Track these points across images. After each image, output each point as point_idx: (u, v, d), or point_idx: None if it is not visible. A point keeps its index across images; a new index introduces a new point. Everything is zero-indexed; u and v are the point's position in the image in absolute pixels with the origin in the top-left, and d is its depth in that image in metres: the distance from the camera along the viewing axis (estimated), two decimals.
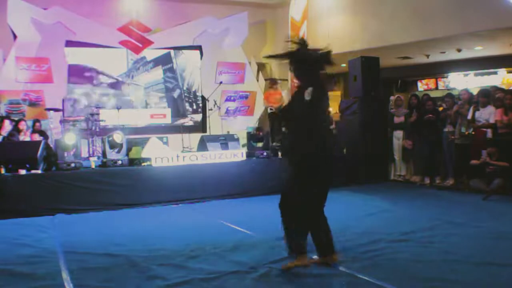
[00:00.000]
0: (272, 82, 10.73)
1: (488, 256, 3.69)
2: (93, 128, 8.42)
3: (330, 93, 14.09)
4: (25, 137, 7.93)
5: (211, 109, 10.38)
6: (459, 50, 11.06)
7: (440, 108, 8.36)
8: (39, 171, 6.18)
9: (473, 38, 9.83)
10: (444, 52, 11.33)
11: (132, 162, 6.84)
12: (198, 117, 11.46)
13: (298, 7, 11.62)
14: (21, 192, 5.84)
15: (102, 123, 8.68)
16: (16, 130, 7.95)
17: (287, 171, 3.62)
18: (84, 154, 7.79)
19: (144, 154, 7.03)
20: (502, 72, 12.47)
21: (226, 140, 7.69)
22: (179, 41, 11.12)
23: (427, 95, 8.77)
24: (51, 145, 7.41)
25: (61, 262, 3.83)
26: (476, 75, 12.85)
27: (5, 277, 3.49)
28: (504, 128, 6.92)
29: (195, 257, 3.90)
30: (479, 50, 11.26)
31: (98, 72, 10.50)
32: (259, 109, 11.90)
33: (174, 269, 3.57)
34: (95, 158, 7.53)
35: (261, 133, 8.03)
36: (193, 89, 11.52)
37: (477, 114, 7.31)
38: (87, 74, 10.43)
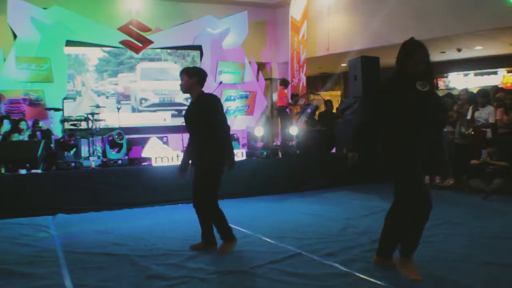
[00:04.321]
0: (285, 82, 10.82)
1: (488, 256, 3.69)
2: (93, 128, 8.42)
3: (329, 93, 14.06)
4: (24, 137, 7.94)
5: None
6: (459, 50, 11.08)
7: None
8: (39, 171, 6.18)
9: (473, 38, 9.85)
10: (444, 52, 11.35)
11: (132, 162, 6.84)
12: None
13: (298, 7, 11.63)
14: (21, 192, 5.83)
15: (102, 123, 8.68)
16: (16, 130, 7.96)
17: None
18: (84, 154, 7.78)
19: (144, 154, 7.03)
20: (502, 72, 12.47)
21: None
22: (179, 41, 11.13)
23: None
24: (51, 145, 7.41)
25: (61, 262, 3.82)
26: (476, 75, 12.87)
27: (5, 277, 3.48)
28: (504, 128, 6.93)
29: (195, 256, 3.90)
30: (479, 50, 11.27)
31: None
32: (259, 109, 11.91)
33: (174, 269, 3.57)
34: (95, 158, 7.53)
35: None
36: None
37: (477, 114, 7.32)
38: None
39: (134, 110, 11.19)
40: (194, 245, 4.13)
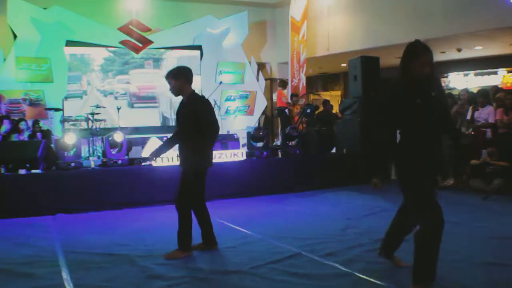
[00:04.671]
0: (283, 83, 10.81)
1: (488, 256, 3.70)
2: (93, 127, 8.42)
3: (329, 93, 14.04)
4: (24, 137, 7.94)
5: None
6: (459, 50, 11.08)
7: None
8: (39, 171, 6.18)
9: (473, 38, 9.86)
10: (444, 52, 11.34)
11: (132, 162, 6.84)
12: None
13: (298, 7, 11.63)
14: (21, 192, 5.83)
15: (102, 123, 8.68)
16: (16, 130, 7.96)
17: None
18: (84, 154, 7.78)
19: (144, 154, 7.03)
20: (502, 72, 12.48)
21: (226, 140, 7.69)
22: (179, 41, 11.13)
23: None
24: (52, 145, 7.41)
25: (61, 262, 3.82)
26: (476, 75, 12.87)
27: (5, 277, 3.49)
28: (504, 128, 6.93)
29: (195, 257, 3.91)
30: (479, 50, 11.27)
31: None
32: (259, 109, 11.91)
33: (174, 269, 3.57)
34: (95, 158, 7.53)
35: (261, 133, 7.99)
36: None
37: (476, 114, 7.33)
38: None
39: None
40: (194, 246, 4.12)
